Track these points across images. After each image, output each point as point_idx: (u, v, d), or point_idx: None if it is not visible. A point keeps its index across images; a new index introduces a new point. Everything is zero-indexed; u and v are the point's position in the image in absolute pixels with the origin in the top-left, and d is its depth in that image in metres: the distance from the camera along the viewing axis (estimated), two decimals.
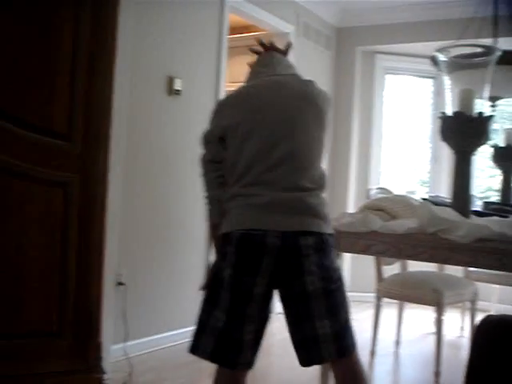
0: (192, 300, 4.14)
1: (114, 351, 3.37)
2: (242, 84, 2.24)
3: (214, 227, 2.11)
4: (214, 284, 2.00)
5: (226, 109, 2.11)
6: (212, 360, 1.97)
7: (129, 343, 3.47)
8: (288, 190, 1.94)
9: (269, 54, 2.24)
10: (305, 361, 1.98)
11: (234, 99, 2.12)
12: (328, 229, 1.99)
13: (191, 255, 4.10)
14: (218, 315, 1.94)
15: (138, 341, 3.61)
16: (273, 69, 2.17)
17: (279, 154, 1.96)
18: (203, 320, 1.99)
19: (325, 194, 2.05)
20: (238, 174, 1.98)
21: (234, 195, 1.99)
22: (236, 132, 2.01)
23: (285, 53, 2.30)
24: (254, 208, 1.93)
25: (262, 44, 2.30)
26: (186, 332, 4.04)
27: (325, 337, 1.91)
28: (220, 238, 2.01)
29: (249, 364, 2.00)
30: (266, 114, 2.01)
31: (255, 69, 2.24)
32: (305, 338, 1.94)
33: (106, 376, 2.66)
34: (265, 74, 2.17)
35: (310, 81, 2.14)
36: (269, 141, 1.97)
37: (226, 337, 1.94)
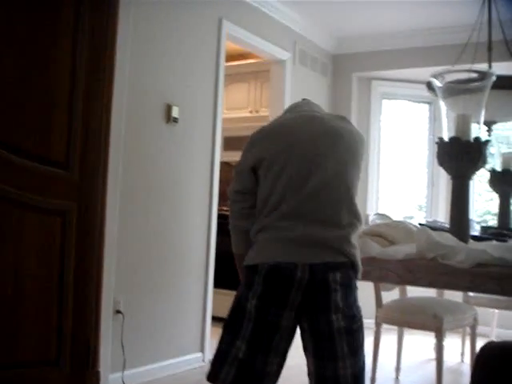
0: (190, 329, 4.13)
1: (112, 380, 3.33)
2: (277, 116, 2.26)
3: (238, 257, 2.12)
4: (235, 313, 1.99)
5: (259, 142, 2.10)
6: None
7: (126, 372, 3.43)
8: (318, 224, 1.94)
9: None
10: None
11: (267, 132, 2.12)
12: (352, 262, 1.99)
13: (189, 283, 4.07)
14: (239, 345, 1.93)
15: (135, 370, 3.57)
16: (309, 107, 2.20)
17: (311, 186, 1.96)
18: (224, 349, 1.97)
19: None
20: (271, 207, 1.99)
21: (265, 227, 1.99)
22: (269, 166, 2.01)
23: None
24: (284, 241, 1.94)
25: None
26: (183, 361, 4.02)
27: (345, 378, 1.92)
28: (245, 269, 2.01)
29: None
30: (298, 149, 2.01)
31: (293, 104, 2.26)
32: (324, 375, 1.94)
33: None
34: (301, 108, 2.19)
35: (344, 117, 2.18)
36: (300, 174, 1.97)
37: (248, 367, 1.93)
